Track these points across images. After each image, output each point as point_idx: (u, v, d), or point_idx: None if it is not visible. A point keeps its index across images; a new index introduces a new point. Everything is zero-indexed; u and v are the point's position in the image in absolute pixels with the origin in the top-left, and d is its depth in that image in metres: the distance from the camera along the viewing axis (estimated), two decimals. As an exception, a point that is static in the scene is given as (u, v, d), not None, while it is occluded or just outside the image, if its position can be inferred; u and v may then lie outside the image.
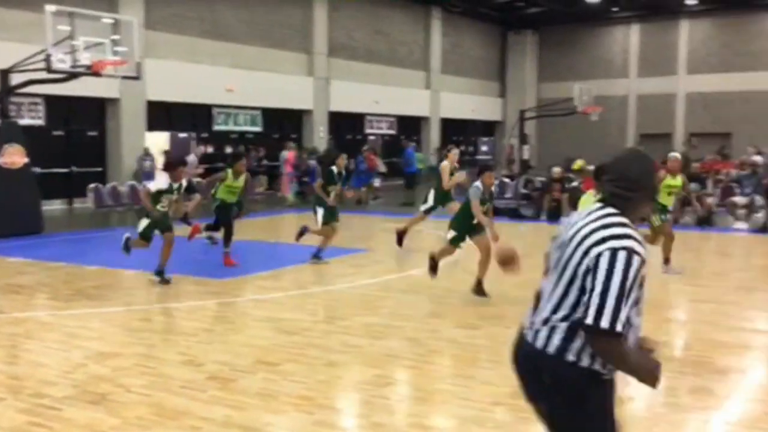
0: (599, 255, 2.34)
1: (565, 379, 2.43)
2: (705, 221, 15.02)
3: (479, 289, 8.02)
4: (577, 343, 2.41)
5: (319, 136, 23.79)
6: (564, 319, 2.43)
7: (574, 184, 18.77)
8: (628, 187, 2.50)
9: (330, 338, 6.45)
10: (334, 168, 10.32)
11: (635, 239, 2.37)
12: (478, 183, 8.04)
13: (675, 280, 9.33)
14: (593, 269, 2.34)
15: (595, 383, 2.44)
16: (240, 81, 21.02)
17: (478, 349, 6.19)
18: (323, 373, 5.45)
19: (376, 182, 20.71)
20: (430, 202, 11.60)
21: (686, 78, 28.95)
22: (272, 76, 22.16)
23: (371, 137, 26.68)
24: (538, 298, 2.62)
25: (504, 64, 32.67)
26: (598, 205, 2.53)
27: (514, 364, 2.62)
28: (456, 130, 29.85)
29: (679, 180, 9.68)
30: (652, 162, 2.60)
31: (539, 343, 2.48)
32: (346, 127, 25.54)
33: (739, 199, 15.59)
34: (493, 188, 8.23)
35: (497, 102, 32.54)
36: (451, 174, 11.59)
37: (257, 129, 22.84)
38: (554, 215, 17.16)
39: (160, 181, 9.05)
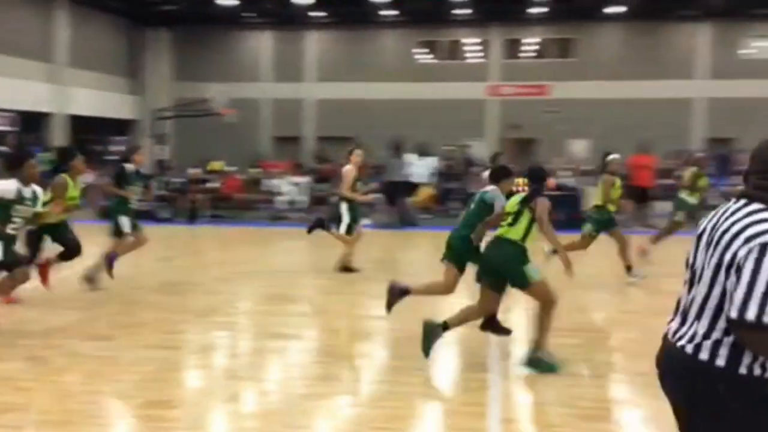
0: (748, 252, 2.21)
1: (738, 390, 2.28)
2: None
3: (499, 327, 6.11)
4: (747, 356, 2.26)
5: None
6: (727, 331, 2.27)
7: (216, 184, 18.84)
8: None
9: (-70, 367, 5.53)
10: (131, 165, 8.78)
11: None
12: (494, 187, 6.14)
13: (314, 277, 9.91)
14: (741, 266, 2.21)
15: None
16: None
17: (111, 361, 5.85)
18: None
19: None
20: (346, 218, 9.69)
21: (315, 85, 30.92)
22: None
23: (-17, 134, 23.67)
24: (678, 305, 2.49)
25: (139, 60, 31.49)
26: (742, 201, 2.37)
27: (667, 378, 2.46)
28: (86, 128, 27.93)
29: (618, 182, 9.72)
30: None
31: (703, 356, 2.31)
32: (-48, 121, 22.28)
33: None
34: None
35: (132, 100, 31.25)
36: (356, 181, 9.84)
37: None
38: (192, 216, 17.03)
39: (6, 186, 6.28)
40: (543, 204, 5.63)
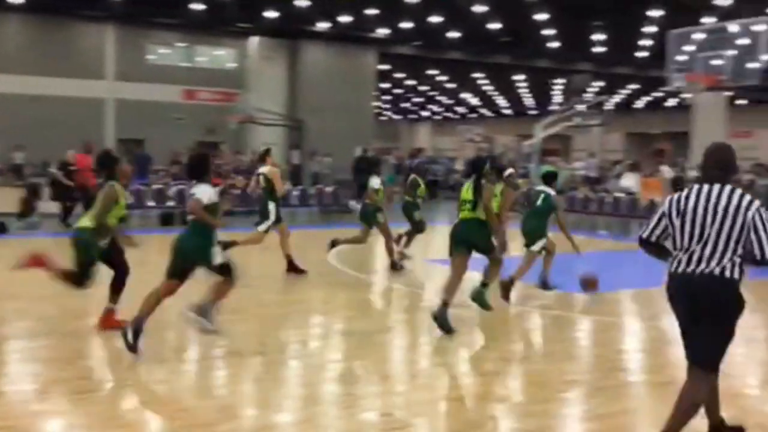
0: (756, 211, 3.86)
1: (736, 290, 3.89)
2: None
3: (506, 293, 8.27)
4: (742, 270, 3.90)
5: None
6: (739, 257, 3.87)
7: None
8: (726, 169, 4.02)
9: None
10: None
11: None
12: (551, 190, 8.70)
13: None
14: (758, 223, 3.84)
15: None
16: None
17: None
18: None
19: None
20: (272, 218, 9.94)
21: None
22: None
23: None
24: (665, 249, 4.15)
25: None
26: (718, 186, 3.95)
27: (689, 291, 3.93)
28: None
29: None
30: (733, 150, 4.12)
31: (727, 273, 3.85)
32: None
33: None
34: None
35: None
36: None
37: None
38: None
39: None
40: (489, 189, 7.19)
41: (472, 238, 7.15)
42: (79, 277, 6.42)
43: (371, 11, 26.17)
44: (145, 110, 28.05)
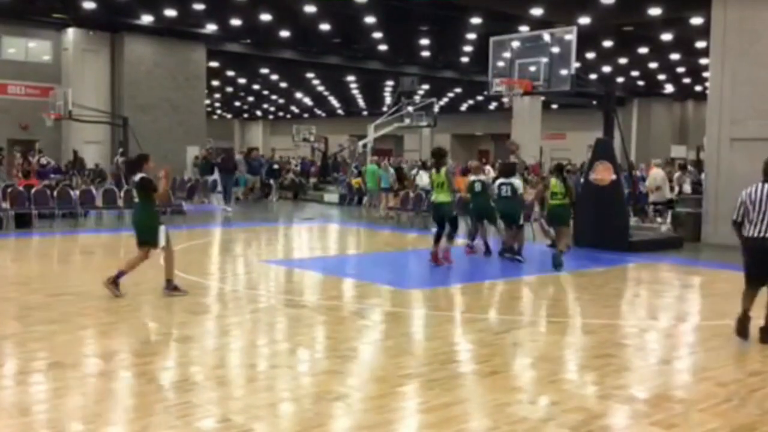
0: None
1: None
2: None
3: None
4: None
5: None
6: None
7: None
8: None
9: None
10: None
11: None
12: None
13: None
14: None
15: None
16: None
17: None
18: None
19: None
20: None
21: None
22: None
23: None
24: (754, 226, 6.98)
25: None
26: (760, 184, 6.98)
27: (761, 253, 6.92)
28: None
29: None
30: None
31: None
32: None
33: None
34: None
35: None
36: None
37: None
38: None
39: None
40: (572, 183, 11.80)
41: (561, 218, 11.67)
42: None
43: (198, 6, 25.44)
44: (-54, 104, 25.62)
